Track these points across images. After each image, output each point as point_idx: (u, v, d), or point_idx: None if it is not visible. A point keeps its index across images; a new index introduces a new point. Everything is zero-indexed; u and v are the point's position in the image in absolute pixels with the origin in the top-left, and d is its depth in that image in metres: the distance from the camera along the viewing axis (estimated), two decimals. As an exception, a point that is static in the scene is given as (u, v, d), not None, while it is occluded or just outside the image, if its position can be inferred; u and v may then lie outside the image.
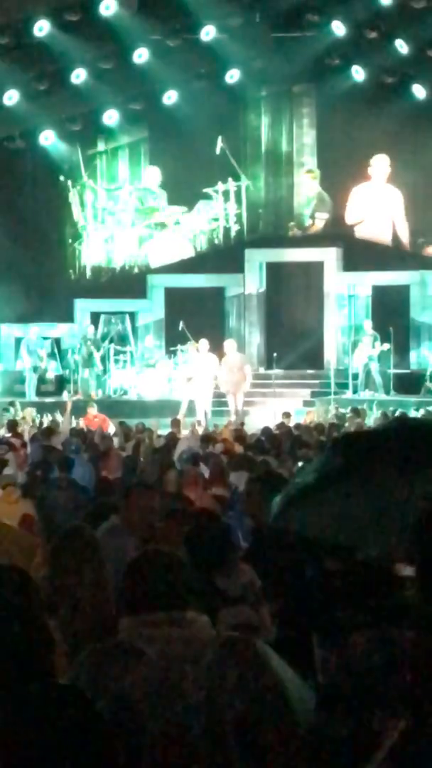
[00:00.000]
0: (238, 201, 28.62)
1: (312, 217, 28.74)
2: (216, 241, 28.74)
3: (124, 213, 28.96)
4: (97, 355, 25.88)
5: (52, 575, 5.20)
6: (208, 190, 28.33)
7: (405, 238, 28.59)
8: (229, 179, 28.18)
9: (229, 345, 25.03)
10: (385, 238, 28.51)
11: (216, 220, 28.75)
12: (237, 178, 28.37)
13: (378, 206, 28.50)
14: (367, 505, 3.86)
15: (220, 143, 27.61)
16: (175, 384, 25.27)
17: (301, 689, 3.35)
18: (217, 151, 27.67)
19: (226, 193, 28.38)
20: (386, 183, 28.44)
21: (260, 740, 3.06)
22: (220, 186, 28.22)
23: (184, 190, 28.67)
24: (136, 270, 28.70)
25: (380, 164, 28.36)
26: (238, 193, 28.52)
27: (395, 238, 28.53)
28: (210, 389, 24.02)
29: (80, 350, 25.98)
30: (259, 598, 5.60)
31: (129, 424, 19.21)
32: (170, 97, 27.91)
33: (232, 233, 28.70)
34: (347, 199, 28.61)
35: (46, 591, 5.98)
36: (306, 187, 29.16)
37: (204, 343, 24.51)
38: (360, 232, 28.67)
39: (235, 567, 5.64)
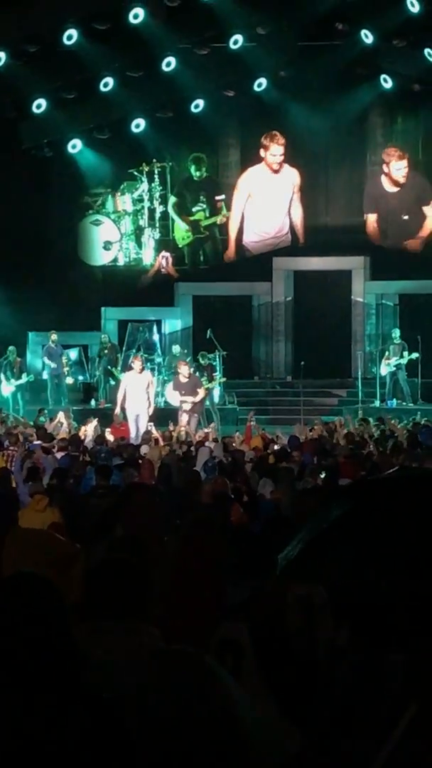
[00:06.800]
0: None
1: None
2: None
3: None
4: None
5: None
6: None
7: (299, 226, 28.40)
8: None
9: (183, 365, 23.38)
10: (275, 227, 28.40)
11: (141, 200, 28.79)
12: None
13: (270, 191, 28.37)
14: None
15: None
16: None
17: (272, 721, 3.04)
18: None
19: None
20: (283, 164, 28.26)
21: (199, 760, 2.73)
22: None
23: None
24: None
25: (274, 144, 28.09)
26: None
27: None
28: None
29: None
30: None
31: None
32: (198, 106, 27.91)
33: (157, 214, 28.69)
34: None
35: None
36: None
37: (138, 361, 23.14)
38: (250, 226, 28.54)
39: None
